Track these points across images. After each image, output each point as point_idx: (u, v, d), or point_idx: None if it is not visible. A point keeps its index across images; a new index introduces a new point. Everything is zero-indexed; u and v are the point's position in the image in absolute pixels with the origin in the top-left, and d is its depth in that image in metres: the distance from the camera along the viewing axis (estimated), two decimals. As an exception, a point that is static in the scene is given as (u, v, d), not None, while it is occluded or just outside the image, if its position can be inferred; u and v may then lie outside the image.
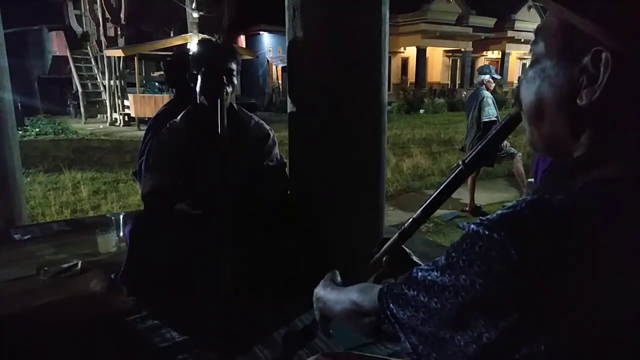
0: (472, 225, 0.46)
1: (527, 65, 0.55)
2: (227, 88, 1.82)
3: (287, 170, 2.09)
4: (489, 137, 0.68)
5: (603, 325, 0.41)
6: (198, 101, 1.89)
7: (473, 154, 0.69)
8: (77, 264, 2.22)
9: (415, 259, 0.85)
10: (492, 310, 0.43)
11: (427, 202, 0.75)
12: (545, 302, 0.41)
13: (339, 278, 0.83)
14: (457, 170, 0.70)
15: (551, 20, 0.51)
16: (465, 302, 0.44)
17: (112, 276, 1.98)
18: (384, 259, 0.83)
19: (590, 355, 0.42)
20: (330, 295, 0.78)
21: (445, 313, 0.46)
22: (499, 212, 0.45)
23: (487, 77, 4.55)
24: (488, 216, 0.46)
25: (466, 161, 0.69)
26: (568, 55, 0.49)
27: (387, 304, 0.55)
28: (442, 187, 0.73)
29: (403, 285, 0.54)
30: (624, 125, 0.47)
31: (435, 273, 0.49)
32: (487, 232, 0.44)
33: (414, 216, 0.77)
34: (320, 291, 0.81)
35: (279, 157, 2.06)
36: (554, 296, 0.41)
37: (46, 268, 2.16)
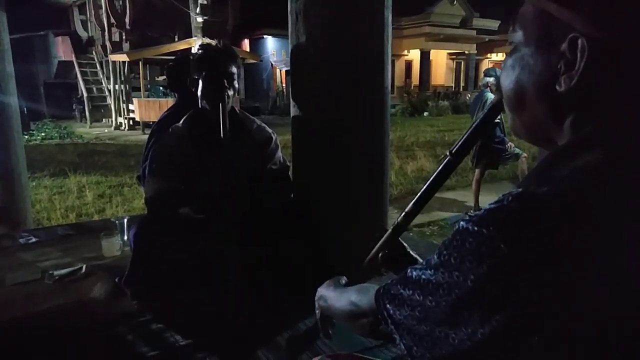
0: (461, 222, 0.46)
1: (507, 54, 0.55)
2: (229, 92, 1.82)
3: (290, 173, 2.09)
4: (474, 125, 0.69)
5: (598, 316, 0.41)
6: (200, 105, 1.89)
7: (459, 143, 0.70)
8: (82, 267, 2.23)
9: (413, 253, 0.86)
10: (485, 305, 0.43)
11: (418, 195, 0.77)
12: (536, 294, 0.40)
13: (343, 281, 0.85)
14: (445, 161, 0.71)
15: (528, 8, 0.51)
16: (459, 298, 0.45)
17: (117, 280, 1.98)
18: (380, 255, 0.84)
19: (587, 348, 0.41)
20: (332, 293, 0.79)
21: (440, 311, 0.46)
22: (487, 207, 0.45)
23: (492, 79, 4.57)
24: (477, 212, 0.46)
25: (453, 151, 0.70)
26: (546, 43, 0.49)
27: (384, 304, 0.55)
28: (432, 178, 0.74)
29: (399, 285, 0.54)
30: (603, 110, 0.47)
31: (429, 271, 0.49)
32: (476, 228, 0.44)
33: (407, 210, 0.79)
34: (322, 289, 0.83)
35: (282, 160, 2.06)
36: (545, 288, 0.40)
37: (51, 272, 2.17)
